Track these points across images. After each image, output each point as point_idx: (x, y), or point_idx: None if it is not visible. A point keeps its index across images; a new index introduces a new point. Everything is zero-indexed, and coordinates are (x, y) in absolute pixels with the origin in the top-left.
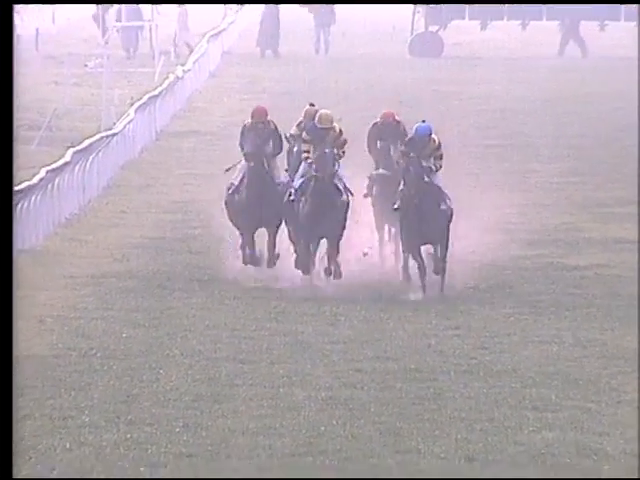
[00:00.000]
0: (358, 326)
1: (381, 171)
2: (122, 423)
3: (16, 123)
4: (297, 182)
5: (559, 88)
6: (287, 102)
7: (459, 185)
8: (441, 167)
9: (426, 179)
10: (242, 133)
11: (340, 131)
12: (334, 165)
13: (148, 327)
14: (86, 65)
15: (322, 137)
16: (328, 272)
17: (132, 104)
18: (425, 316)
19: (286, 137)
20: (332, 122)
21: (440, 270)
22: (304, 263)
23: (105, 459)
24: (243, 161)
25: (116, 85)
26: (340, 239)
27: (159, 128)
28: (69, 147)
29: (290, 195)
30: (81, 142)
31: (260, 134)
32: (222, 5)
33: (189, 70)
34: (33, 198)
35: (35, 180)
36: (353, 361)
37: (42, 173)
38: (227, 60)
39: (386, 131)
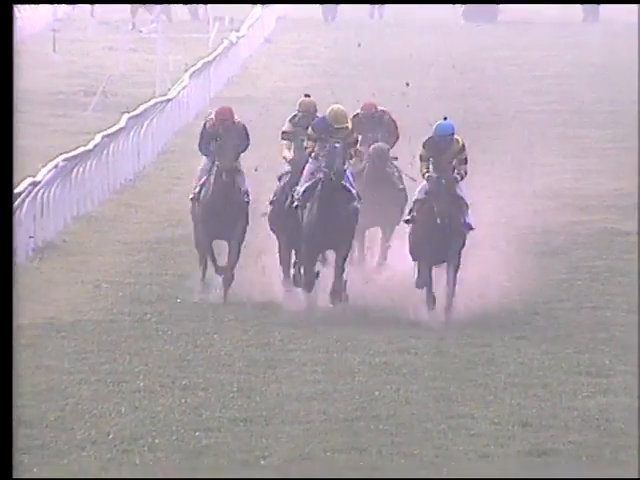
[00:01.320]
0: (413, 291)
1: (372, 158)
2: (176, 388)
3: (72, 89)
4: (302, 186)
5: (613, 53)
6: (338, 68)
7: (513, 150)
8: (466, 174)
9: (458, 191)
10: (202, 134)
11: (351, 129)
12: (344, 162)
13: (202, 292)
14: (140, 31)
15: (330, 134)
16: (333, 294)
17: (186, 70)
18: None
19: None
20: (348, 121)
21: (451, 285)
22: (308, 280)
23: (159, 424)
24: (205, 161)
25: (171, 51)
26: (349, 251)
27: (213, 94)
28: (124, 113)
29: (293, 201)
30: (136, 108)
31: (227, 139)
32: None
33: (243, 36)
34: (88, 164)
35: (90, 146)
36: (407, 327)
37: (97, 139)
38: (281, 25)
39: (369, 123)
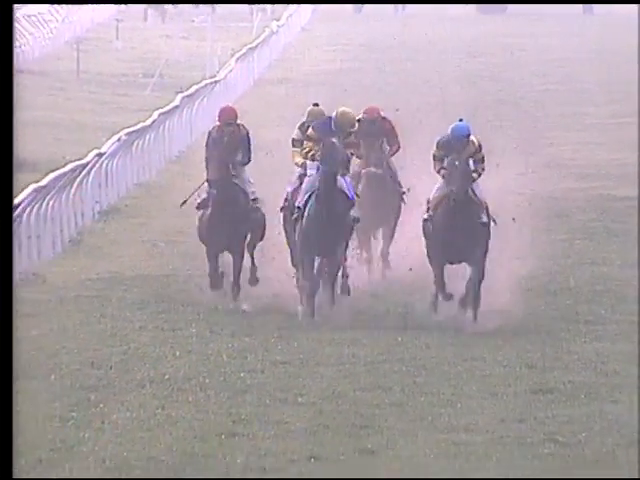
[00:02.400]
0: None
1: (372, 169)
2: (225, 334)
3: (133, 72)
4: (301, 198)
5: (610, 40)
6: (366, 54)
7: (520, 125)
8: (483, 170)
9: (471, 190)
10: (208, 139)
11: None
12: (342, 159)
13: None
14: (193, 20)
15: (330, 136)
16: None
17: (233, 55)
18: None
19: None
20: (352, 127)
21: (471, 300)
22: (310, 285)
23: (209, 365)
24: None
25: (219, 38)
26: (340, 262)
27: (256, 76)
28: (178, 93)
29: (292, 214)
30: (188, 88)
31: (225, 146)
32: None
33: (283, 25)
34: (147, 137)
35: (149, 122)
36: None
37: (155, 115)
38: (316, 16)
39: (369, 128)
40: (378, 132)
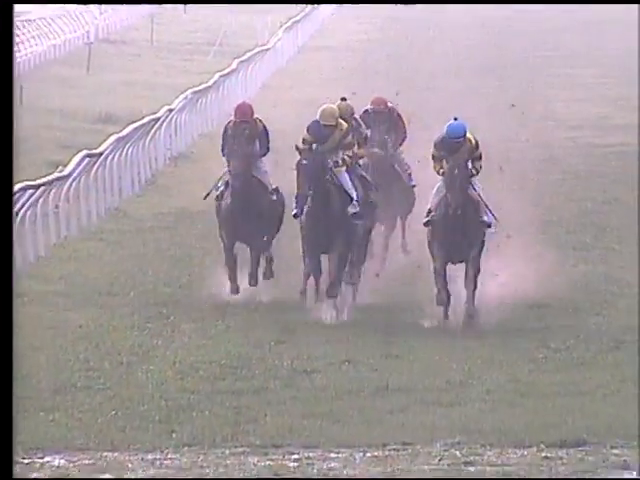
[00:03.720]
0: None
1: (376, 150)
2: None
3: (197, 41)
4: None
5: (596, 12)
6: (391, 24)
7: (518, 85)
8: (481, 168)
9: (470, 190)
10: (225, 134)
11: (347, 131)
12: (328, 165)
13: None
14: None
15: (326, 136)
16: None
17: (281, 26)
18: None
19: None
20: (337, 119)
21: (470, 290)
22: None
23: (261, 286)
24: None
25: (270, 12)
26: (346, 258)
27: (300, 44)
28: (235, 58)
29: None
30: (243, 54)
31: (246, 139)
32: None
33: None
34: (209, 95)
35: (210, 82)
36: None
37: (216, 77)
38: None
39: (377, 119)
40: (385, 122)
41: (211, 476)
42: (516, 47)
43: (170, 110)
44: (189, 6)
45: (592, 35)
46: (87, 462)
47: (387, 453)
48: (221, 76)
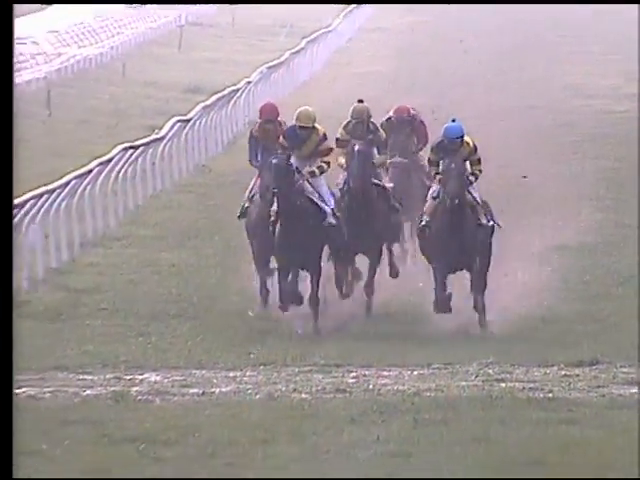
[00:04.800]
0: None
1: (397, 159)
2: None
3: (271, 23)
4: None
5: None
6: (432, 11)
7: (542, 62)
8: (481, 172)
9: (469, 193)
10: (250, 143)
11: (324, 135)
12: (293, 176)
13: None
14: None
15: (303, 140)
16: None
17: (343, 10)
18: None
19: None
20: (314, 121)
21: (479, 303)
22: (285, 294)
23: None
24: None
25: None
26: (318, 270)
27: (358, 26)
28: (303, 38)
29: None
30: (310, 35)
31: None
32: None
33: None
34: (280, 70)
35: (282, 59)
36: None
37: (286, 54)
38: None
39: (400, 127)
40: (408, 130)
41: (283, 390)
42: (536, 30)
43: (248, 82)
44: None
45: (599, 21)
46: (178, 378)
47: (431, 371)
48: (291, 54)
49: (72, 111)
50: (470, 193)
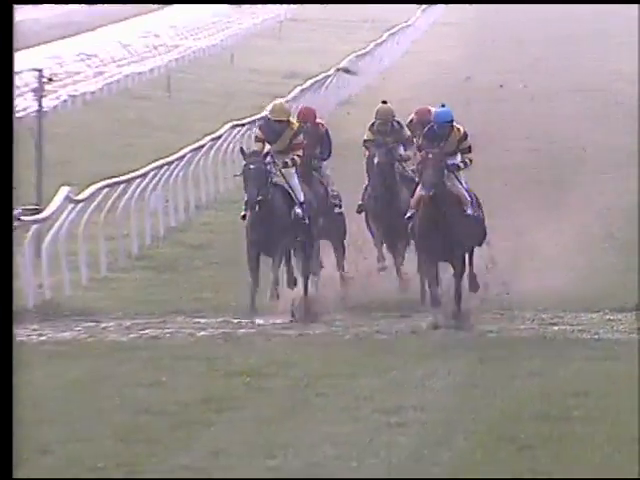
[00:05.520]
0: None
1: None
2: None
3: (354, 19)
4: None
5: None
6: (496, 7)
7: (591, 51)
8: (471, 162)
9: (448, 183)
10: None
11: (298, 129)
12: (270, 177)
13: None
14: None
15: (278, 134)
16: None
17: (419, 7)
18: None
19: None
20: (288, 115)
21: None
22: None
23: None
24: None
25: None
26: (280, 256)
27: (431, 20)
28: (385, 31)
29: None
30: (391, 28)
31: (309, 141)
32: None
33: None
34: (366, 59)
35: (367, 49)
36: None
37: (371, 45)
38: None
39: (422, 128)
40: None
41: (367, 331)
42: (584, 20)
43: (337, 70)
44: None
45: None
46: (279, 322)
47: (492, 316)
48: (375, 45)
49: (188, 94)
50: (456, 183)
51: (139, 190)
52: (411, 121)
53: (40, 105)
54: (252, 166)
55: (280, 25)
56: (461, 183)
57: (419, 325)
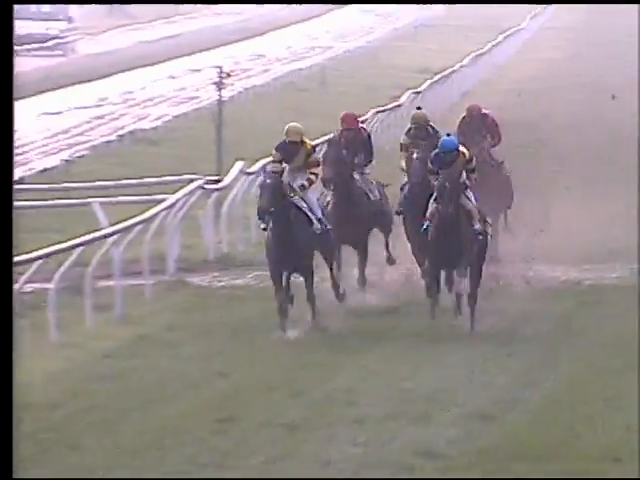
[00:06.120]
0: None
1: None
2: None
3: (473, 23)
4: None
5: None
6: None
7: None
8: (476, 180)
9: (462, 200)
10: (330, 142)
11: (313, 148)
12: (286, 192)
13: None
14: None
15: (293, 154)
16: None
17: (530, 13)
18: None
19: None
20: (301, 136)
21: (470, 303)
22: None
23: None
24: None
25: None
26: (310, 274)
27: (539, 25)
28: (500, 34)
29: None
30: (506, 31)
31: (348, 146)
32: None
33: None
34: (484, 57)
35: (485, 50)
36: None
37: (488, 46)
38: None
39: (474, 125)
40: (481, 128)
41: None
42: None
43: (461, 66)
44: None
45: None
46: None
47: (588, 267)
48: (492, 45)
49: (338, 87)
50: (466, 200)
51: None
52: (463, 118)
53: (220, 96)
54: (268, 180)
55: (415, 30)
56: (470, 200)
57: (528, 275)
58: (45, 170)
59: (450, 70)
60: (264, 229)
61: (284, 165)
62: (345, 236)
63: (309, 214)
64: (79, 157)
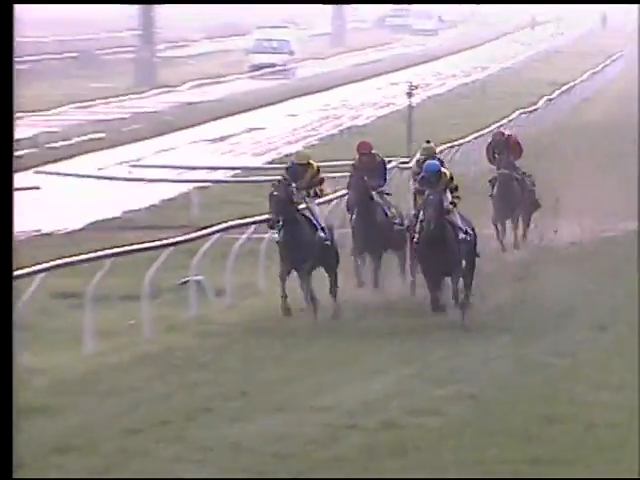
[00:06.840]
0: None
1: (503, 171)
2: None
3: (594, 49)
4: None
5: None
6: None
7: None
8: (459, 199)
9: (445, 215)
10: (352, 168)
11: (318, 169)
12: (292, 201)
13: None
14: None
15: (300, 174)
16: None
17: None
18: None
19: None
20: (309, 159)
21: (462, 303)
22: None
23: None
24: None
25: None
26: (306, 273)
27: None
28: (608, 57)
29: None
30: (614, 55)
31: (367, 170)
32: None
33: None
34: (597, 75)
35: (598, 68)
36: None
37: (600, 66)
38: None
39: (499, 146)
40: (505, 148)
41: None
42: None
43: (581, 80)
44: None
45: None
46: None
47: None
48: (604, 65)
49: (493, 95)
50: (449, 215)
51: (458, 153)
52: (490, 143)
53: (410, 102)
54: (276, 193)
55: (548, 55)
56: (454, 215)
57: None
58: (288, 155)
59: (572, 83)
60: (277, 242)
61: (293, 185)
62: (365, 247)
63: (315, 222)
64: (312, 145)
